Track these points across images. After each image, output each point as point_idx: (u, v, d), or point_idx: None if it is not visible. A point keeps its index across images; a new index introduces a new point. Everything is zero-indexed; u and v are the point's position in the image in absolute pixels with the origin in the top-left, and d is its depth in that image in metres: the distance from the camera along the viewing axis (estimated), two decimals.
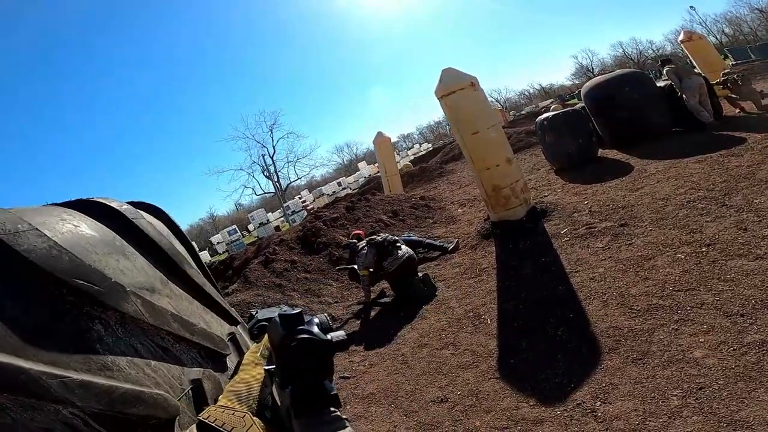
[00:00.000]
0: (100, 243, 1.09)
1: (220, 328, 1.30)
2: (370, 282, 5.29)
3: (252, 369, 0.79)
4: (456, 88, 5.55)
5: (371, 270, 5.08)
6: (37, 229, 0.94)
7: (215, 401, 1.04)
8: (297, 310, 0.60)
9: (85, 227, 1.11)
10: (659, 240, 3.97)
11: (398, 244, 5.10)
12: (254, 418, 0.79)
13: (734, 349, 2.43)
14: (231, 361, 1.27)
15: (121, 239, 1.13)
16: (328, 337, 0.60)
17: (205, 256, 25.05)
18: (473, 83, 5.58)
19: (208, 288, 1.37)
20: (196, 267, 1.38)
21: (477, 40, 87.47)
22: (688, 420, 2.13)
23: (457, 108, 5.65)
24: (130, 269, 1.07)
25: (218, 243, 28.28)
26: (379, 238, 5.19)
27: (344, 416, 0.78)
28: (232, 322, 1.44)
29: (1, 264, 0.87)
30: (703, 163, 5.49)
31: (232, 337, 1.35)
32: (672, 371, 2.46)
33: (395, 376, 3.52)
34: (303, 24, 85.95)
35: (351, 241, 5.71)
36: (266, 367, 0.75)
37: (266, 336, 1.01)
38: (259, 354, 1.10)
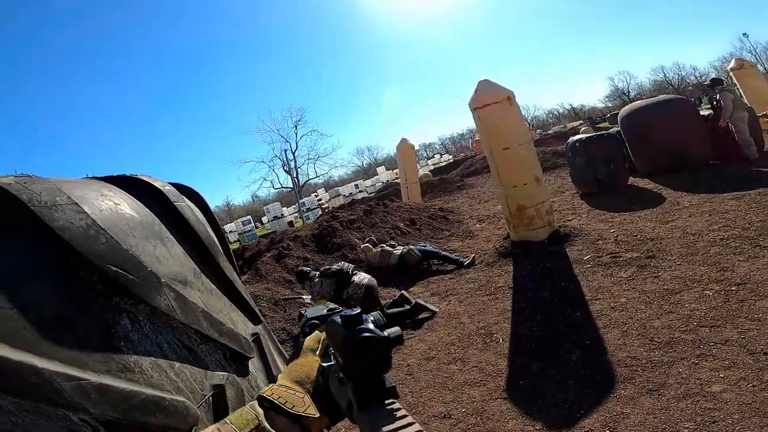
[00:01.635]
0: (138, 225, 1.01)
1: (244, 327, 1.23)
2: None
3: (311, 355, 0.72)
4: (491, 101, 5.44)
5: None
6: (76, 203, 0.84)
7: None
8: (357, 311, 0.61)
9: (126, 206, 1.04)
10: (687, 275, 3.81)
11: (355, 272, 4.81)
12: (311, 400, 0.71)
13: (753, 386, 2.33)
14: (253, 365, 1.20)
15: (161, 223, 1.05)
16: (385, 333, 0.59)
17: None
18: (510, 98, 5.47)
19: (238, 283, 1.29)
20: (227, 260, 1.32)
21: (512, 52, 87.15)
22: None
23: (490, 121, 5.52)
24: (166, 257, 0.99)
25: (231, 231, 28.46)
26: (335, 267, 4.83)
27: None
28: (256, 320, 1.35)
29: (31, 242, 0.78)
30: (741, 200, 5.28)
31: (256, 338, 1.26)
32: (687, 404, 2.35)
33: (399, 386, 3.38)
34: (339, 21, 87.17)
35: (303, 268, 5.48)
36: (323, 364, 0.68)
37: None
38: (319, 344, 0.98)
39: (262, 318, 1.51)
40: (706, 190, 5.99)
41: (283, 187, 38.12)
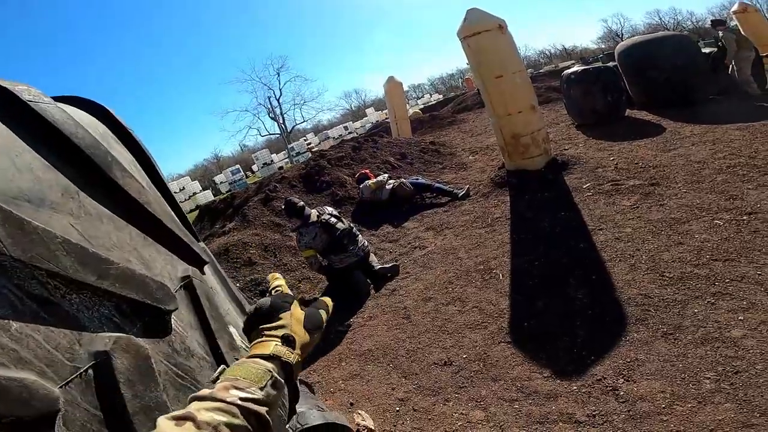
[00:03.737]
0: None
1: (168, 269, 0.90)
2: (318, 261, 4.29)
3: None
4: (481, 29, 5.07)
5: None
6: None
7: (134, 390, 0.69)
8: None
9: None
10: (694, 203, 3.62)
11: (357, 237, 4.27)
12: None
13: None
14: (179, 320, 0.87)
15: (8, 130, 0.72)
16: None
17: (208, 195, 24.82)
18: (501, 26, 5.10)
19: (158, 210, 0.94)
20: (140, 180, 0.95)
21: None
22: (719, 407, 1.89)
23: (480, 50, 5.17)
24: (5, 169, 0.68)
25: (221, 183, 27.85)
26: (341, 225, 4.19)
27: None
28: (195, 261, 1.01)
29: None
30: (745, 131, 5.03)
31: (188, 283, 0.93)
32: (706, 350, 2.19)
33: (396, 331, 3.27)
34: None
35: (295, 200, 4.33)
36: None
37: None
38: None
39: (208, 258, 1.12)
40: (708, 121, 5.70)
41: (270, 134, 37.82)
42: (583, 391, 2.20)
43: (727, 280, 2.61)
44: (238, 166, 30.08)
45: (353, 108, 51.05)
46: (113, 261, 0.71)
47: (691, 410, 1.92)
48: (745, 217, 3.21)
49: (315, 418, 1.16)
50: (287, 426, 0.98)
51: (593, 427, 2.00)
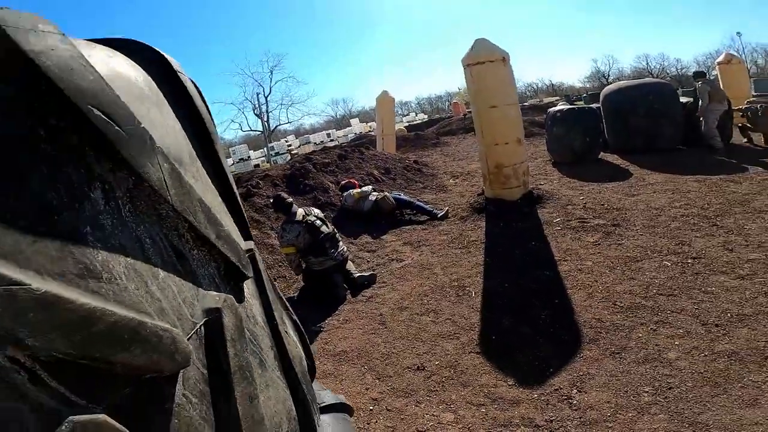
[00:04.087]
0: (134, 84, 0.76)
1: (239, 240, 0.95)
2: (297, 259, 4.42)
3: None
4: (485, 59, 5.45)
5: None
6: (63, 34, 0.58)
7: (238, 346, 0.73)
8: None
9: (121, 60, 0.78)
10: (648, 245, 4.03)
11: (339, 243, 4.44)
12: None
13: (705, 355, 2.54)
14: (248, 288, 0.93)
15: (159, 91, 0.81)
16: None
17: None
18: (504, 58, 5.50)
19: (233, 184, 1.02)
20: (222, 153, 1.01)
21: (496, 21, 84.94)
22: (655, 417, 2.20)
23: (481, 79, 5.54)
24: (162, 126, 0.73)
25: None
26: (325, 228, 4.35)
27: None
28: (248, 237, 1.07)
29: None
30: (702, 183, 5.56)
31: (251, 255, 0.98)
32: (646, 368, 2.54)
33: (371, 336, 3.45)
34: None
35: (285, 196, 4.45)
36: None
37: None
38: None
39: (251, 236, 1.18)
40: (672, 170, 6.27)
41: (252, 130, 37.32)
42: (542, 399, 2.48)
43: (669, 312, 3.00)
44: None
45: (338, 116, 51.45)
46: (223, 223, 0.79)
47: (631, 419, 2.22)
48: (690, 261, 3.63)
49: (330, 398, 1.35)
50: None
51: (550, 431, 2.27)
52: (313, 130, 39.89)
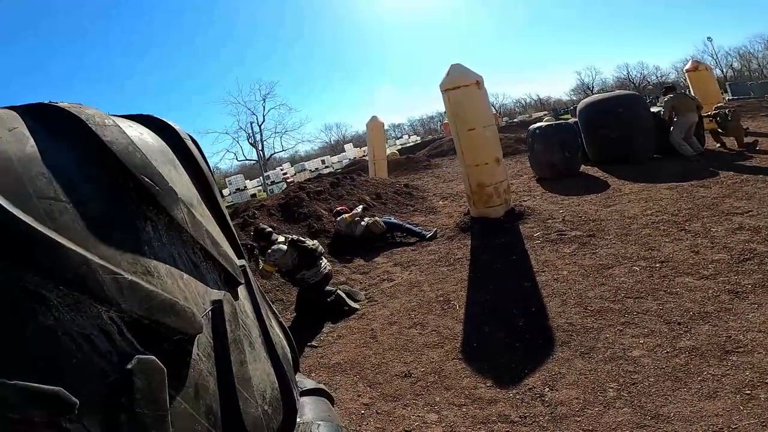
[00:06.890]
0: (158, 152, 1.13)
1: (234, 257, 1.36)
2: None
3: None
4: (461, 84, 5.75)
5: (282, 271, 4.60)
6: (119, 126, 0.98)
7: (233, 326, 1.09)
8: None
9: (148, 135, 1.15)
10: (620, 252, 4.31)
11: (323, 257, 4.73)
12: None
13: (667, 352, 2.76)
14: (241, 292, 1.30)
15: (172, 153, 1.18)
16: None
17: None
18: (478, 82, 5.80)
19: (228, 218, 1.42)
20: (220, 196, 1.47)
21: (483, 41, 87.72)
22: (619, 411, 2.41)
23: (458, 103, 5.85)
24: (179, 181, 1.10)
25: None
26: (310, 242, 4.66)
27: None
28: (241, 256, 1.48)
29: (82, 153, 0.90)
30: (674, 190, 5.89)
31: (243, 269, 1.37)
32: (612, 366, 2.76)
33: (363, 349, 3.70)
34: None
35: (264, 226, 4.86)
36: None
37: None
38: None
39: (243, 256, 1.61)
40: (646, 179, 6.63)
41: (247, 160, 37.78)
42: (518, 397, 2.72)
43: (635, 313, 3.25)
44: None
45: (332, 142, 52.17)
46: (221, 244, 1.21)
47: (598, 413, 2.44)
48: (657, 265, 3.90)
49: (310, 384, 1.62)
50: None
51: (524, 426, 2.49)
52: (308, 157, 40.54)
